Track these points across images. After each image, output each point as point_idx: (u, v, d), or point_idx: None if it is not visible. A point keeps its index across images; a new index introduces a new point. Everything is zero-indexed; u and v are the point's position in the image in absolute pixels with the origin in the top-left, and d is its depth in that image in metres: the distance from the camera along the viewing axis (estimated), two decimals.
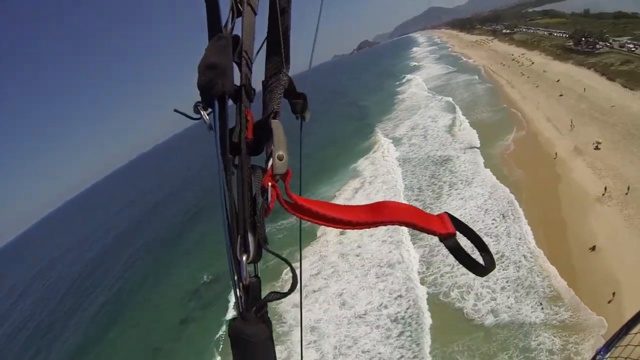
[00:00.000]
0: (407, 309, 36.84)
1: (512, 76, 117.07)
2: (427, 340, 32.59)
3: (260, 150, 1.44)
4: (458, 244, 1.42)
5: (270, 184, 1.35)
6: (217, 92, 1.26)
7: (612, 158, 53.78)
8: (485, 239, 21.27)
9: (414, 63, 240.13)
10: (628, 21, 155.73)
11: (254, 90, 1.43)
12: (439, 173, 66.58)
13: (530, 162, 58.44)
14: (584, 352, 26.92)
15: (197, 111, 1.30)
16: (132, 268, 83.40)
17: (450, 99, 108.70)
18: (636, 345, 3.58)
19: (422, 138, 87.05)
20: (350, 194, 70.40)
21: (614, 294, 30.67)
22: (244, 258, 1.31)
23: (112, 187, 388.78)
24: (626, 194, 44.84)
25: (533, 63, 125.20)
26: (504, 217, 46.79)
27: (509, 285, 35.38)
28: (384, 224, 1.42)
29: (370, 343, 34.05)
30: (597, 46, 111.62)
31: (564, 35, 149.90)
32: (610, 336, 3.34)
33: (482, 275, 1.45)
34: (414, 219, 1.43)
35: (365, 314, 37.67)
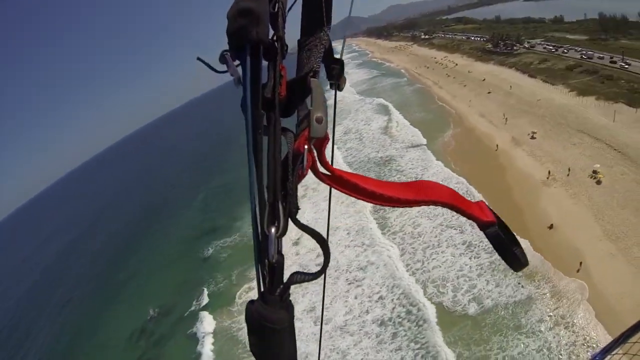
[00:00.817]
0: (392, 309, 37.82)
1: (438, 77, 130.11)
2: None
3: (292, 112, 1.43)
4: (500, 234, 1.47)
5: (306, 147, 1.31)
6: (251, 39, 1.16)
7: (548, 145, 62.49)
8: (451, 232, 37.48)
9: None
10: (537, 25, 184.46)
11: (287, 46, 1.36)
12: (384, 173, 70.10)
13: (474, 155, 65.16)
14: (572, 313, 30.43)
15: (223, 61, 1.22)
16: (64, 311, 73.12)
17: (382, 100, 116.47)
18: (634, 355, 3.96)
19: (358, 141, 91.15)
20: None
21: (580, 263, 35.36)
22: (273, 231, 1.24)
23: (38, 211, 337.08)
24: (567, 175, 52.61)
25: (457, 65, 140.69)
26: None
27: (484, 272, 38.30)
28: (425, 203, 1.45)
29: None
30: (515, 47, 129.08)
31: (481, 39, 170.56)
32: (608, 342, 3.56)
33: (517, 270, 1.53)
34: (456, 201, 1.46)
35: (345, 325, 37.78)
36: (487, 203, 1.48)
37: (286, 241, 1.27)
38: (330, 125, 1.36)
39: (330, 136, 1.42)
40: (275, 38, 1.30)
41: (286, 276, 1.31)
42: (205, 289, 53.70)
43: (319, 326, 38.35)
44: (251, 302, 1.27)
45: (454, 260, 41.70)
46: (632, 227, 40.09)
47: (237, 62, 1.22)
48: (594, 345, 28.02)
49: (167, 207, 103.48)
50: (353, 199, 1.41)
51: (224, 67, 1.24)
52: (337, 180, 1.38)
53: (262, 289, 1.27)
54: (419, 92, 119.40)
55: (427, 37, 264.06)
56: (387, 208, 41.31)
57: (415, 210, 54.22)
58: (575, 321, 30.34)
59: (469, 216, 1.47)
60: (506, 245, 1.45)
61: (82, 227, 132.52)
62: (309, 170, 1.37)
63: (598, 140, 60.32)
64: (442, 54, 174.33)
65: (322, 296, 3.73)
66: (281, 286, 1.27)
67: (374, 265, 44.40)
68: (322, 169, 1.39)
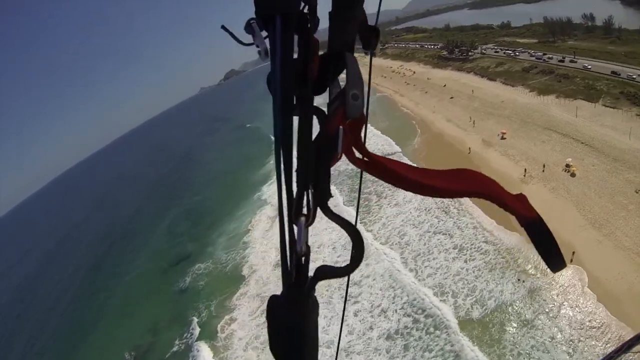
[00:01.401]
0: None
1: (397, 86, 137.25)
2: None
3: (324, 90, 1.44)
4: (542, 229, 1.40)
5: (341, 127, 1.29)
6: (282, 8, 1.11)
7: (519, 144, 67.63)
8: (439, 237, 43.09)
9: None
10: (487, 32, 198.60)
11: (319, 19, 1.34)
12: (356, 184, 71.79)
13: (447, 160, 68.33)
14: (576, 300, 33.08)
15: (249, 30, 1.18)
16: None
17: None
18: None
19: None
20: (267, 222, 70.68)
21: (573, 253, 38.46)
22: (302, 220, 1.22)
23: None
24: (543, 171, 57.38)
25: (414, 73, 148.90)
26: (446, 213, 53.47)
27: (482, 273, 40.55)
28: (466, 194, 1.42)
29: None
30: (469, 53, 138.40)
31: (435, 47, 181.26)
32: (609, 352, 3.52)
33: (555, 271, 1.42)
34: (498, 193, 1.42)
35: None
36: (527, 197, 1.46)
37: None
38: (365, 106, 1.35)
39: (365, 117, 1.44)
40: (306, 8, 1.25)
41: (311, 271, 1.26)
42: (195, 319, 52.53)
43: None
44: (274, 297, 1.26)
45: (449, 265, 43.79)
46: (612, 214, 45.15)
47: (264, 33, 1.17)
48: (600, 327, 30.83)
49: (131, 234, 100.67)
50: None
51: (248, 39, 1.21)
52: (375, 166, 1.38)
53: (287, 283, 1.24)
54: (381, 101, 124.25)
55: (379, 47, 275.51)
56: (365, 218, 42.65)
57: (399, 219, 56.68)
58: (579, 305, 33.19)
59: (510, 210, 1.40)
60: (548, 243, 1.36)
61: (35, 262, 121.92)
62: (344, 154, 1.36)
63: (565, 135, 66.21)
64: (398, 63, 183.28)
65: (343, 298, 3.91)
66: (308, 281, 1.25)
67: (370, 278, 45.58)
68: (357, 153, 1.39)
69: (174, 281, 64.83)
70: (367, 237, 55.24)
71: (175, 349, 48.13)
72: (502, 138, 71.19)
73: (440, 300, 39.97)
